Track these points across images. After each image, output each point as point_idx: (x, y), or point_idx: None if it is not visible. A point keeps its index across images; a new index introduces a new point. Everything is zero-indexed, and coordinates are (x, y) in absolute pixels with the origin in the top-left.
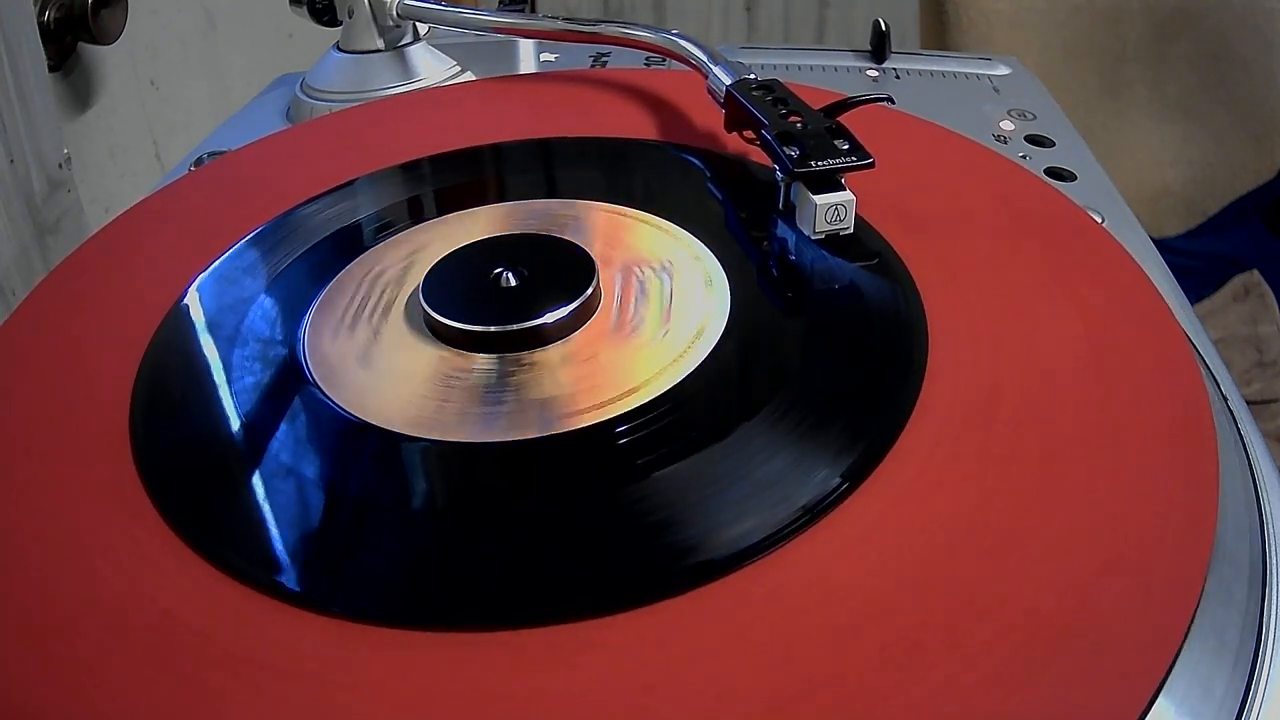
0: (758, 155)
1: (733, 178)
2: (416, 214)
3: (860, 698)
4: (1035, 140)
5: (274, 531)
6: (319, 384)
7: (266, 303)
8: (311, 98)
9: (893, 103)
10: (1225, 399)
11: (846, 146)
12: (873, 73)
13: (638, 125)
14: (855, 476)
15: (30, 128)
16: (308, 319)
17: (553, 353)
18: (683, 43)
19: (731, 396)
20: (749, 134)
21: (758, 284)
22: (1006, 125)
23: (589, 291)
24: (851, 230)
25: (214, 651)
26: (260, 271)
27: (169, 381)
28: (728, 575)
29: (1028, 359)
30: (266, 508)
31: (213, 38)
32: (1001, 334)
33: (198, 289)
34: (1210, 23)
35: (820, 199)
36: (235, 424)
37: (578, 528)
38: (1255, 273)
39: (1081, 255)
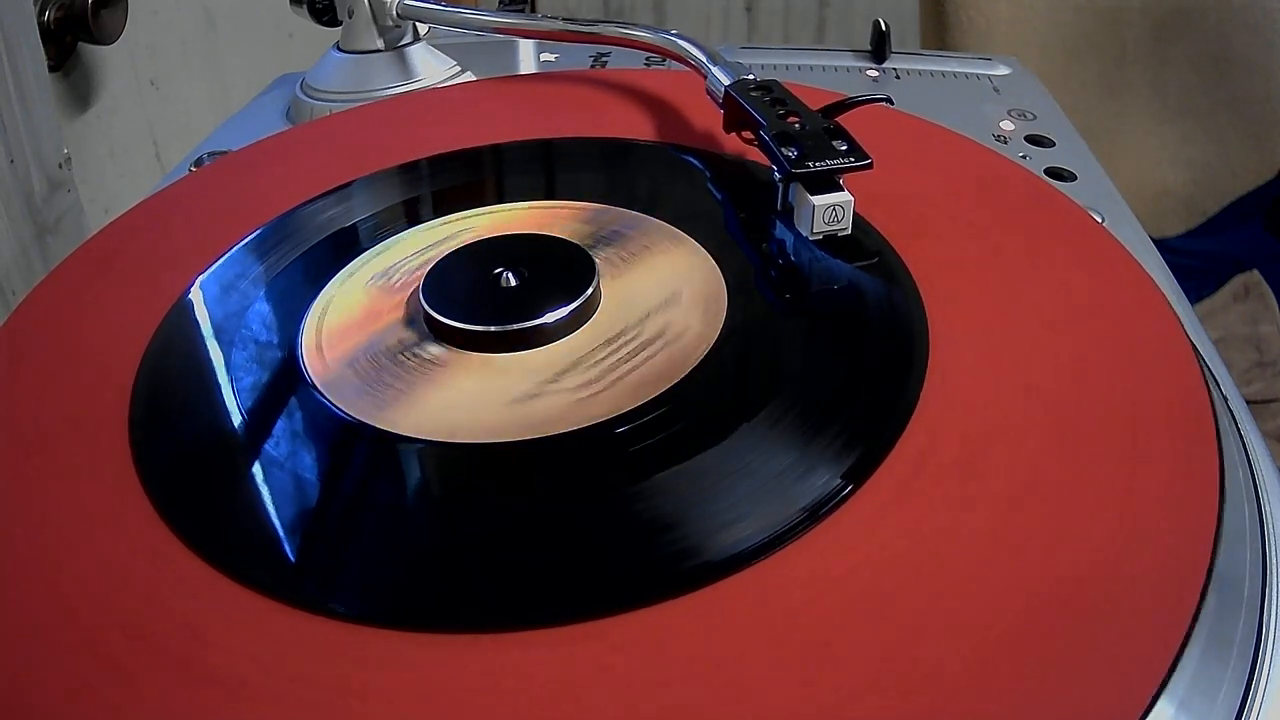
0: (756, 156)
1: (731, 178)
2: (416, 215)
3: (861, 697)
4: (1035, 140)
5: (272, 532)
6: (317, 385)
7: (266, 304)
8: (311, 98)
9: (891, 103)
10: (1225, 399)
11: (845, 147)
12: (873, 73)
13: (637, 125)
14: (856, 478)
15: (30, 128)
16: (307, 319)
17: (553, 352)
18: (682, 43)
19: (731, 397)
20: (747, 134)
21: (756, 285)
22: (1006, 125)
23: (589, 291)
24: (849, 231)
25: (211, 652)
26: (260, 272)
27: (169, 382)
28: (728, 577)
29: (1028, 359)
30: (265, 509)
31: (213, 38)
32: (1002, 334)
33: (197, 289)
34: (1210, 23)
35: (818, 200)
36: (235, 425)
37: (578, 528)
38: (1255, 273)
39: (1082, 255)
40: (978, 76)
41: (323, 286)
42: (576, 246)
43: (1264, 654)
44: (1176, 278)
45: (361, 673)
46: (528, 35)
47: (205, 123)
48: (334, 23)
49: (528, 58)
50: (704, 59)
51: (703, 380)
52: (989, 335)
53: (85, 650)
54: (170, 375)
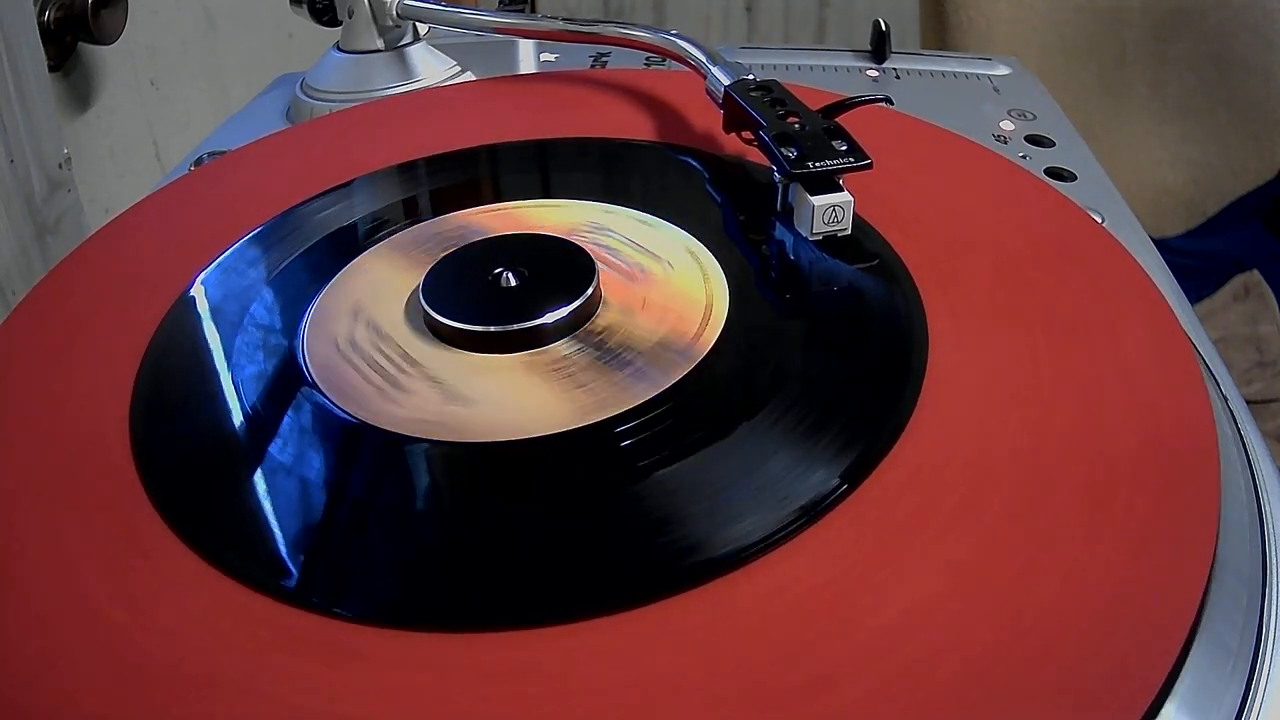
0: (756, 156)
1: (731, 179)
2: (415, 214)
3: (860, 696)
4: (1035, 140)
5: (272, 532)
6: (318, 385)
7: (266, 303)
8: (311, 98)
9: (891, 103)
10: (1225, 399)
11: (844, 147)
12: (873, 73)
13: (637, 126)
14: (854, 477)
15: (30, 128)
16: (307, 319)
17: (552, 352)
18: (681, 43)
19: (731, 397)
20: (747, 135)
21: (756, 285)
22: (1006, 125)
23: (589, 292)
24: (849, 231)
25: (210, 651)
26: (260, 271)
27: (168, 382)
28: (727, 575)
29: (1027, 359)
30: (265, 508)
31: (213, 38)
32: (1001, 333)
33: (197, 288)
34: (1210, 23)
35: (818, 200)
36: (235, 425)
37: (578, 528)
38: (1255, 273)
39: (1082, 255)
40: (978, 76)
41: (324, 285)
42: (577, 247)
43: (1264, 654)
44: (1176, 278)
45: (360, 673)
46: (528, 35)
47: (205, 123)
48: (334, 23)
49: (528, 58)
50: (704, 59)
51: (702, 380)
52: (988, 335)
53: (83, 650)
54: (171, 374)
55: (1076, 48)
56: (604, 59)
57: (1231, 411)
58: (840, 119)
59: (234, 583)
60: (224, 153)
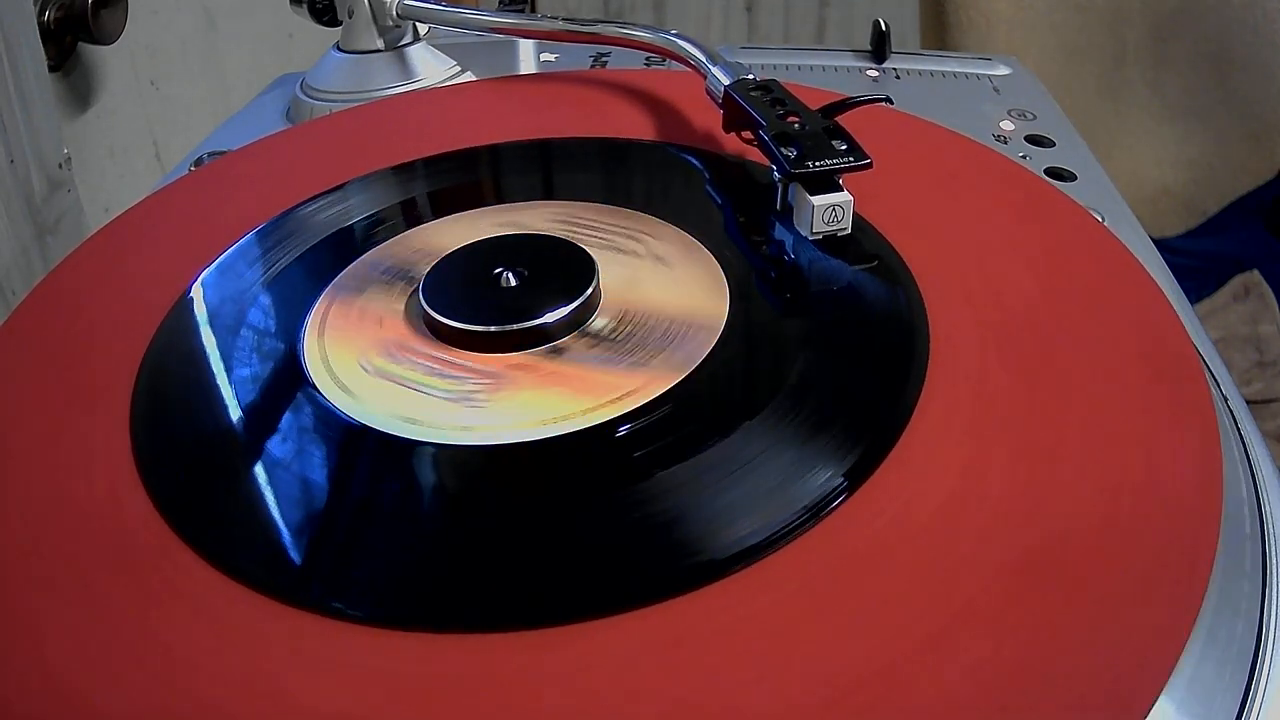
0: (756, 156)
1: (731, 178)
2: (415, 214)
3: (859, 698)
4: (1035, 140)
5: (272, 532)
6: (318, 386)
7: (266, 304)
8: (311, 98)
9: (891, 103)
10: (1225, 399)
11: (844, 147)
12: (873, 73)
13: (637, 125)
14: (856, 477)
15: (30, 128)
16: (308, 320)
17: (553, 352)
18: (681, 43)
19: (732, 397)
20: (747, 135)
21: (756, 285)
22: (1006, 125)
23: (589, 291)
24: (849, 231)
25: (211, 651)
26: (260, 272)
27: (169, 382)
28: (728, 575)
29: (1029, 360)
30: (265, 509)
31: (213, 38)
32: (1002, 335)
33: (197, 289)
34: (1210, 23)
35: (817, 200)
36: (236, 424)
37: (578, 528)
38: (1255, 273)
39: (1083, 255)
40: (978, 76)
41: (324, 286)
42: (577, 247)
43: (1264, 654)
44: (1176, 278)
45: (360, 673)
46: (528, 35)
47: (205, 123)
48: (334, 23)
49: (528, 58)
50: (704, 59)
51: (703, 380)
52: (989, 334)
53: (83, 650)
54: (171, 375)
55: (1076, 48)
56: (604, 59)
57: (1231, 411)
58: (840, 119)
59: (241, 586)
60: (224, 153)
